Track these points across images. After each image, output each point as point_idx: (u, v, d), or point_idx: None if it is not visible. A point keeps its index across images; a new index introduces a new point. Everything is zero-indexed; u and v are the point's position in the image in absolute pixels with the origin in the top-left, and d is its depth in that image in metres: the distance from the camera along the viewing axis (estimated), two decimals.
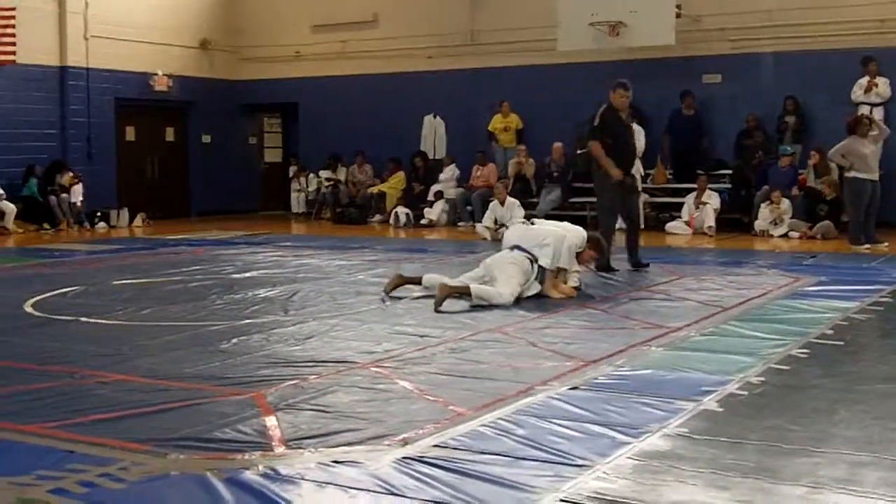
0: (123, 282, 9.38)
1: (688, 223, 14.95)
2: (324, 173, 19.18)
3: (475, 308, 7.44)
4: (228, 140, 20.58)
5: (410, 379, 5.15)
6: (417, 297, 7.96)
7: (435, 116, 18.45)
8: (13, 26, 15.69)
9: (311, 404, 4.63)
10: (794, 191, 14.42)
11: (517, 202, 14.69)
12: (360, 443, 4.02)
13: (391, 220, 17.25)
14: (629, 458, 3.80)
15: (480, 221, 15.00)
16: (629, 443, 3.98)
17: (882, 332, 6.92)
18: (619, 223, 10.48)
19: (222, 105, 20.28)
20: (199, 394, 4.84)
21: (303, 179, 19.77)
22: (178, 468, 3.72)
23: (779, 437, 4.05)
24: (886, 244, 12.17)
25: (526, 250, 8.02)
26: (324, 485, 3.55)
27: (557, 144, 16.51)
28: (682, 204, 15.26)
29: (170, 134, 19.96)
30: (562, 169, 16.47)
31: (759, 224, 14.36)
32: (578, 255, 8.28)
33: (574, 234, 8.25)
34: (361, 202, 18.23)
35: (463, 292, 7.56)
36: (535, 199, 16.31)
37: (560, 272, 8.14)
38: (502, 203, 14.53)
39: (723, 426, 4.24)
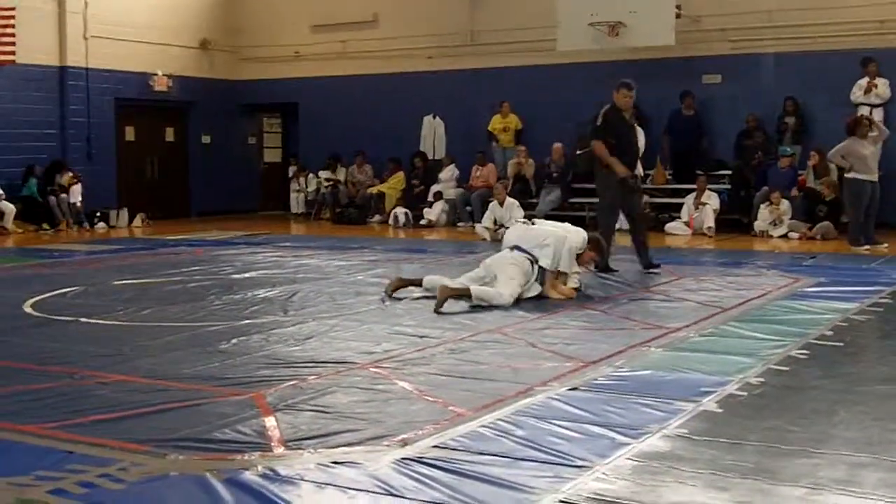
0: (123, 282, 9.38)
1: (687, 224, 14.95)
2: (323, 174, 19.18)
3: (475, 309, 7.44)
4: (228, 140, 20.58)
5: (410, 379, 5.15)
6: (417, 298, 7.95)
7: (434, 117, 18.45)
8: (13, 26, 15.69)
9: (311, 405, 4.63)
10: (794, 191, 14.42)
11: (516, 203, 14.68)
12: (359, 443, 4.02)
13: (390, 221, 17.24)
14: (628, 458, 3.80)
15: (480, 222, 15.00)
16: (628, 444, 3.98)
17: (882, 333, 6.92)
18: (621, 223, 10.49)
19: (222, 105, 20.28)
20: (199, 394, 4.84)
21: (302, 180, 19.77)
22: (178, 469, 3.72)
23: (778, 438, 4.05)
24: (886, 245, 12.17)
25: (526, 251, 8.01)
26: (323, 485, 3.55)
27: (557, 145, 16.51)
28: (681, 204, 15.27)
29: (169, 134, 19.95)
30: (561, 169, 16.47)
31: (759, 225, 14.36)
32: (579, 257, 8.27)
33: (574, 235, 8.23)
34: (361, 202, 18.23)
35: (463, 294, 7.56)
36: (534, 200, 16.30)
37: (560, 274, 8.14)
38: (501, 204, 14.53)
39: (722, 427, 4.24)
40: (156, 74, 18.84)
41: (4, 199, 15.94)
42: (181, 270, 10.26)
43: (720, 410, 4.52)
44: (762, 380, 5.11)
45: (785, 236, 13.94)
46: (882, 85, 14.61)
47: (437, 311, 7.25)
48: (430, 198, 17.34)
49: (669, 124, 16.12)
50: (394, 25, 18.75)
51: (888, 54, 14.64)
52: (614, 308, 7.65)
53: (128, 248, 13.39)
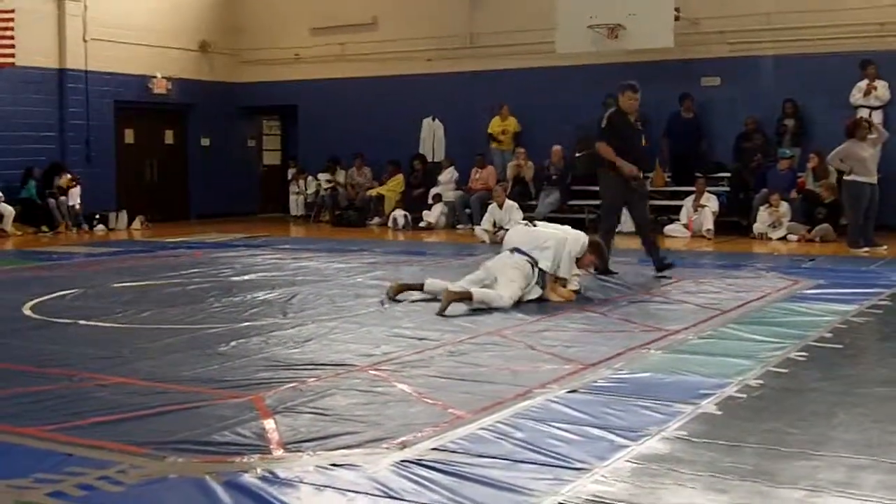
0: (122, 284, 9.37)
1: (686, 226, 14.96)
2: (322, 176, 19.17)
3: (474, 311, 7.43)
4: (227, 143, 20.58)
5: (409, 382, 5.15)
6: (416, 300, 7.95)
7: (434, 119, 18.45)
8: (12, 28, 15.68)
9: (310, 407, 4.63)
10: (793, 194, 14.43)
11: (516, 205, 14.70)
12: (358, 446, 4.02)
13: (390, 223, 17.24)
14: (628, 461, 3.80)
15: (479, 224, 15.01)
16: (628, 446, 3.98)
17: (881, 335, 6.93)
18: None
19: (221, 108, 20.29)
20: (198, 397, 4.84)
21: (301, 182, 19.77)
22: (177, 471, 3.72)
23: (777, 441, 4.05)
24: (885, 247, 12.17)
25: (526, 253, 8.00)
26: (322, 488, 3.55)
27: (556, 147, 16.52)
28: (680, 207, 15.27)
29: (169, 136, 19.96)
30: (561, 172, 16.48)
31: (758, 227, 14.36)
32: (578, 261, 8.27)
33: (574, 239, 8.22)
34: (360, 205, 18.23)
35: (465, 297, 7.55)
36: (533, 202, 16.30)
37: (559, 277, 8.14)
38: (501, 206, 14.54)
39: (721, 429, 4.24)
40: (155, 77, 18.85)
41: (4, 202, 15.94)
42: (180, 273, 10.26)
43: (719, 413, 4.52)
44: (761, 382, 5.10)
45: (784, 238, 13.95)
46: (881, 87, 14.62)
47: (440, 315, 7.24)
48: (430, 200, 17.33)
49: (668, 127, 16.12)
50: (393, 28, 18.76)
51: (887, 56, 14.64)
52: (614, 310, 7.65)
53: (127, 250, 13.39)
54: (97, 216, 17.10)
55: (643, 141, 10.30)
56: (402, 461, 3.81)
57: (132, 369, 5.50)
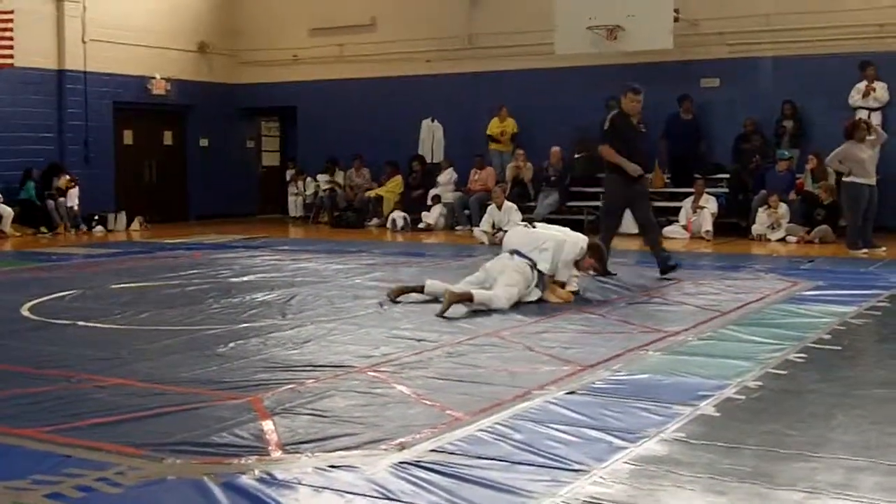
0: (121, 285, 9.37)
1: (685, 227, 14.95)
2: (321, 177, 19.15)
3: (473, 313, 7.42)
4: (226, 144, 20.58)
5: (408, 383, 5.15)
6: (415, 302, 7.94)
7: (433, 120, 18.45)
8: (11, 29, 15.68)
9: (309, 408, 4.63)
10: (792, 195, 14.43)
11: (515, 206, 14.69)
12: (356, 447, 4.02)
13: (388, 224, 17.23)
14: (626, 462, 3.80)
15: (478, 225, 15.01)
16: (626, 447, 3.98)
17: (880, 336, 6.93)
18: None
19: (220, 109, 20.28)
20: (196, 398, 4.84)
21: (300, 183, 19.77)
22: (175, 473, 3.71)
23: (776, 442, 4.05)
24: (884, 249, 12.18)
25: (525, 255, 7.99)
26: (320, 489, 3.55)
27: (555, 148, 16.52)
28: (679, 208, 15.27)
29: (168, 137, 19.95)
30: (560, 173, 16.48)
31: (757, 228, 14.36)
32: (578, 263, 8.27)
33: (573, 241, 8.21)
34: (359, 206, 18.23)
35: (467, 298, 7.54)
36: (532, 203, 16.30)
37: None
38: (500, 207, 14.54)
39: (720, 431, 4.24)
40: (154, 78, 18.84)
41: (2, 203, 15.94)
42: (179, 274, 10.25)
43: (718, 414, 4.52)
44: (760, 383, 5.11)
45: (783, 240, 13.95)
46: (880, 88, 14.62)
47: (441, 316, 7.23)
48: (429, 201, 17.33)
49: (667, 128, 16.12)
50: (392, 29, 18.76)
51: (886, 58, 14.65)
52: (612, 312, 7.65)
53: (126, 251, 13.38)
54: (96, 217, 17.08)
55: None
56: (401, 463, 3.81)
57: (131, 370, 5.50)
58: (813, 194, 14.23)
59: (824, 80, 14.99)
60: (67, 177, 16.78)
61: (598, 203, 15.90)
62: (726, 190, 15.57)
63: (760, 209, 14.41)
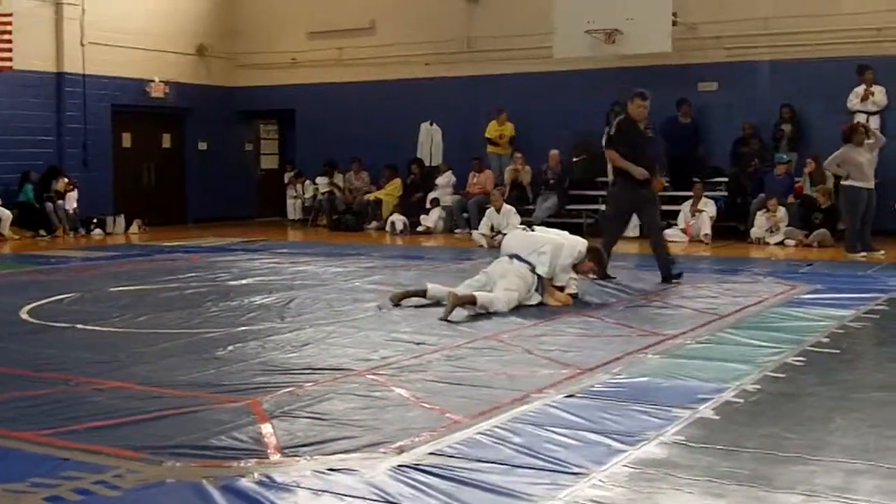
0: (119, 289, 9.37)
1: (684, 231, 14.96)
2: (321, 180, 19.14)
3: (473, 316, 7.42)
4: (225, 147, 20.58)
5: (407, 386, 5.14)
6: (414, 305, 7.94)
7: (431, 123, 18.45)
8: (10, 32, 15.67)
9: (307, 412, 4.63)
10: (791, 199, 14.44)
11: (513, 209, 14.71)
12: (355, 450, 4.02)
13: (387, 227, 17.23)
14: (625, 465, 3.81)
15: (477, 229, 15.01)
16: (625, 451, 3.98)
17: (878, 340, 6.94)
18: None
19: (219, 112, 20.29)
20: (195, 401, 4.84)
21: (299, 186, 19.77)
22: (174, 476, 3.71)
23: (775, 445, 4.06)
24: (882, 252, 12.18)
25: (524, 259, 7.99)
26: (319, 492, 3.55)
27: (554, 152, 16.52)
28: (678, 212, 15.27)
29: (166, 140, 19.95)
30: (558, 176, 16.48)
31: (755, 232, 14.37)
32: (577, 267, 8.27)
33: (571, 244, 8.21)
34: (358, 209, 18.23)
35: (470, 302, 7.53)
36: (531, 207, 16.31)
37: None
38: (498, 210, 14.55)
39: (719, 434, 4.24)
40: (152, 81, 18.85)
41: (1, 206, 15.93)
42: (178, 277, 10.25)
43: (717, 417, 4.52)
44: (759, 387, 5.11)
45: (781, 243, 13.95)
46: (878, 92, 14.64)
47: (444, 319, 7.23)
48: (427, 204, 17.33)
49: (666, 132, 16.06)
50: (391, 32, 18.76)
51: (884, 62, 14.67)
52: (611, 315, 7.65)
53: (124, 254, 13.37)
54: (94, 220, 17.07)
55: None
56: (400, 466, 3.80)
57: (129, 373, 5.50)
58: (811, 198, 14.25)
59: (822, 83, 15.01)
60: (66, 180, 16.77)
61: (597, 206, 16.00)
62: (725, 193, 15.57)
63: (759, 213, 14.42)
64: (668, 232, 14.92)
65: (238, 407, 4.71)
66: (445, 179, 17.73)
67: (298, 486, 3.60)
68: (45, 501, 3.43)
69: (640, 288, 9.23)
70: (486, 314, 7.47)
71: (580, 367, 5.63)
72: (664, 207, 15.52)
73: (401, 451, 4.00)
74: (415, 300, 8.03)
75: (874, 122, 14.20)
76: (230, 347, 6.25)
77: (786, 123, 15.40)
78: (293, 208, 19.89)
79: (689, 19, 15.78)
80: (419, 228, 16.94)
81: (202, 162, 20.11)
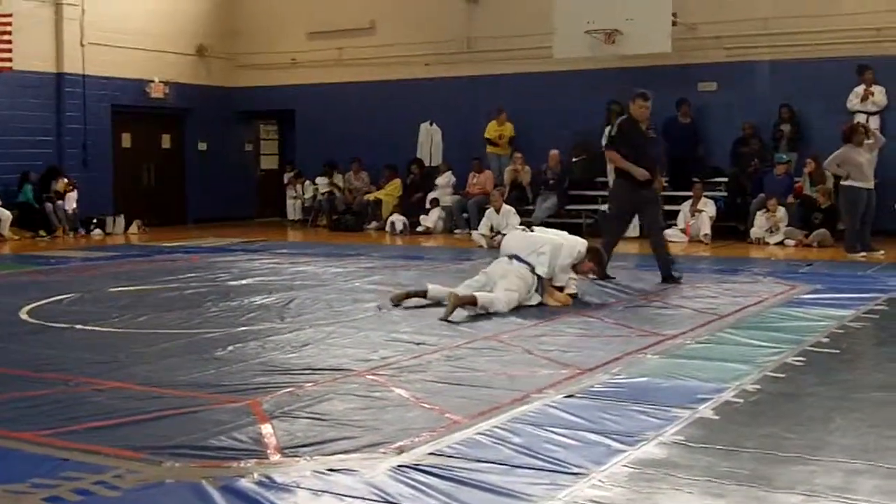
0: (119, 289, 9.37)
1: (683, 231, 14.96)
2: (320, 180, 19.13)
3: (473, 316, 7.42)
4: (225, 147, 20.57)
5: (406, 387, 5.14)
6: (414, 306, 7.93)
7: (431, 123, 18.45)
8: (9, 33, 15.67)
9: (307, 412, 4.63)
10: (790, 199, 14.44)
11: (513, 210, 14.70)
12: (355, 451, 4.02)
13: (387, 228, 17.23)
14: (625, 465, 3.81)
15: (476, 229, 15.01)
16: (625, 451, 3.98)
17: (878, 340, 6.94)
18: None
19: (218, 112, 20.28)
20: (195, 401, 4.84)
21: (299, 186, 19.77)
22: (174, 476, 3.71)
23: (774, 445, 4.06)
24: (882, 252, 12.18)
25: (524, 260, 7.99)
26: (319, 493, 3.55)
27: (554, 152, 16.52)
28: (677, 212, 15.27)
29: (166, 141, 19.95)
30: (558, 176, 16.48)
31: (755, 232, 14.37)
32: (576, 267, 8.27)
33: (570, 245, 8.21)
34: (358, 209, 18.23)
35: (471, 302, 7.53)
36: (531, 207, 16.31)
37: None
38: (498, 211, 14.55)
39: (718, 434, 4.25)
40: (152, 81, 18.85)
41: (1, 206, 15.92)
42: (177, 277, 10.25)
43: (716, 417, 4.52)
44: (758, 387, 5.11)
45: (781, 243, 13.95)
46: (878, 92, 14.63)
47: (445, 320, 7.23)
48: (427, 205, 17.33)
49: (665, 132, 16.03)
50: (391, 32, 18.76)
51: (884, 62, 14.66)
52: (611, 315, 7.65)
53: (124, 254, 13.37)
54: (94, 220, 17.06)
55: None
56: (400, 466, 3.81)
57: (129, 374, 5.50)
58: (811, 198, 14.25)
59: (822, 83, 15.00)
60: (66, 180, 16.77)
61: (597, 206, 16.01)
62: (725, 193, 15.57)
63: (759, 213, 14.42)
64: (667, 232, 14.93)
65: (238, 407, 4.71)
66: (445, 180, 17.73)
67: (298, 487, 3.60)
68: (45, 502, 3.43)
69: (640, 288, 9.23)
70: (486, 314, 7.47)
71: (580, 367, 5.63)
72: (664, 207, 15.60)
73: (400, 451, 4.00)
74: (415, 300, 8.03)
75: (874, 123, 14.19)
76: (230, 348, 6.25)
77: (785, 123, 15.40)
78: (293, 209, 19.89)
79: (688, 19, 15.77)
80: (419, 229, 16.94)
81: (202, 162, 20.11)
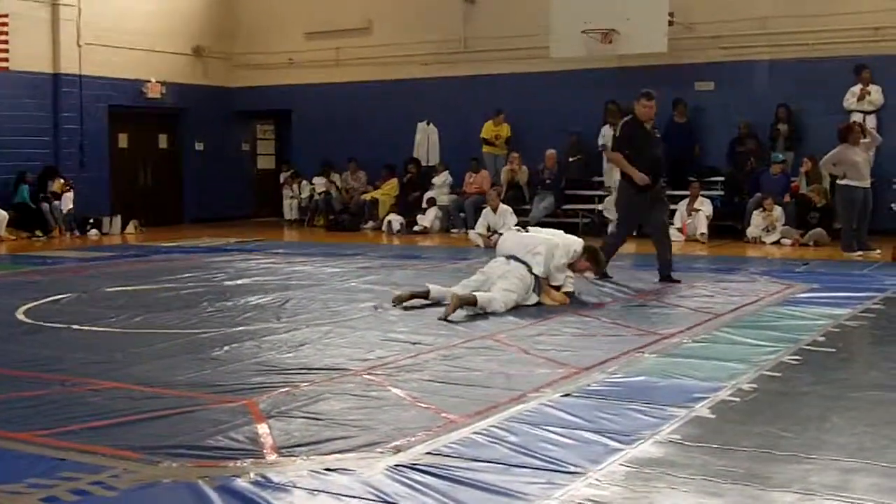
0: (116, 289, 9.36)
1: (680, 230, 14.96)
2: (317, 180, 19.12)
3: (470, 316, 7.42)
4: (222, 147, 20.56)
5: (403, 386, 5.15)
6: (411, 306, 7.93)
7: (428, 123, 18.45)
8: (6, 33, 15.66)
9: (304, 412, 4.63)
10: (787, 198, 14.45)
11: (510, 209, 14.70)
12: (352, 450, 4.02)
13: (384, 227, 17.23)
14: (621, 464, 3.81)
15: (473, 228, 15.01)
16: (621, 450, 3.99)
17: (874, 339, 6.94)
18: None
19: (216, 112, 20.27)
20: (192, 401, 4.84)
21: (296, 186, 19.76)
22: (170, 476, 3.71)
23: (770, 444, 4.06)
24: (878, 251, 12.20)
25: (521, 260, 7.99)
26: (315, 492, 3.55)
27: (550, 151, 16.52)
28: (674, 211, 15.26)
29: (163, 141, 19.94)
30: (555, 176, 16.49)
31: (752, 231, 14.38)
32: (573, 266, 8.27)
33: (566, 244, 8.21)
34: (354, 209, 18.22)
35: (471, 302, 7.53)
36: (527, 207, 16.32)
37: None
38: (495, 210, 14.55)
39: (715, 433, 4.25)
40: (149, 81, 18.83)
41: None
42: (174, 277, 10.24)
43: (713, 416, 4.52)
44: (755, 386, 5.12)
45: (778, 243, 13.97)
46: (875, 92, 14.65)
47: (445, 319, 7.23)
48: (424, 204, 17.34)
49: (662, 131, 16.11)
50: (388, 32, 18.76)
51: (881, 61, 14.68)
52: (608, 314, 7.65)
53: (121, 254, 13.37)
54: (91, 220, 17.05)
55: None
56: (396, 465, 3.81)
57: (126, 374, 5.49)
58: (808, 197, 14.26)
59: (819, 83, 15.01)
60: (62, 180, 16.76)
61: (593, 206, 16.02)
62: (721, 193, 15.59)
63: (755, 212, 14.43)
64: None
65: (234, 407, 4.71)
66: (442, 179, 17.74)
67: (294, 486, 3.60)
68: (42, 502, 3.42)
69: (637, 287, 9.23)
70: (484, 314, 7.47)
71: (576, 366, 5.64)
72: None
73: (397, 450, 4.00)
74: (417, 301, 8.01)
75: (870, 122, 14.22)
76: (226, 347, 6.25)
77: (782, 123, 15.41)
78: (290, 208, 19.88)
79: (686, 19, 15.79)
80: (415, 228, 16.95)
81: (199, 162, 20.09)
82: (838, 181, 12.68)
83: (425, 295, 8.01)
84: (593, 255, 8.52)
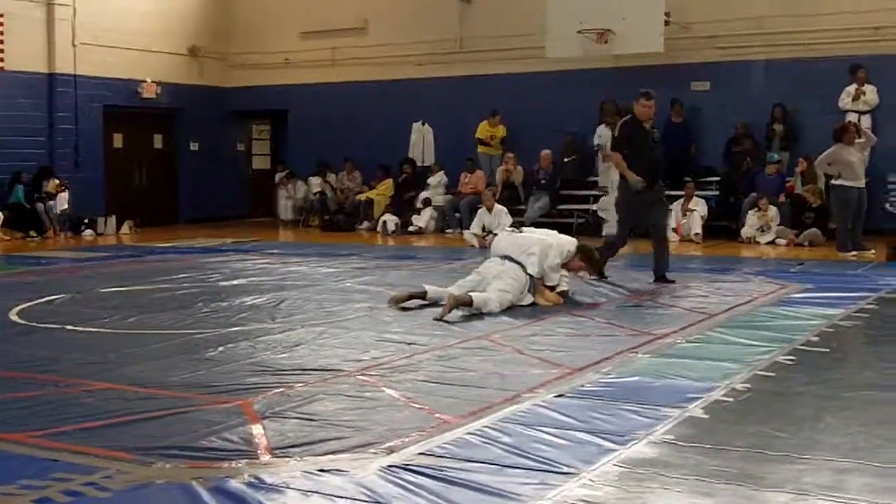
0: (110, 289, 9.34)
1: (675, 230, 14.95)
2: (313, 180, 19.11)
3: (465, 316, 7.42)
4: (217, 147, 20.53)
5: (397, 387, 5.15)
6: (407, 306, 7.93)
7: (423, 123, 18.43)
8: (1, 33, 15.63)
9: (298, 412, 4.63)
10: (782, 198, 14.47)
11: (505, 209, 14.70)
12: (345, 451, 4.02)
13: (379, 228, 17.21)
14: (615, 465, 3.81)
15: (468, 228, 15.01)
16: (615, 450, 3.99)
17: (868, 339, 6.95)
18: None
19: (211, 112, 20.25)
20: (186, 402, 4.83)
21: (291, 186, 19.74)
22: (164, 477, 3.71)
23: (764, 444, 4.07)
24: (873, 251, 12.20)
25: (516, 260, 7.99)
26: (309, 493, 3.55)
27: (546, 152, 16.52)
28: (669, 211, 15.26)
29: (158, 141, 19.91)
30: (550, 176, 16.49)
31: (746, 231, 14.39)
32: (567, 265, 8.27)
33: (559, 244, 8.21)
34: (350, 209, 18.21)
35: (467, 303, 7.53)
36: (523, 207, 16.32)
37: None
38: (490, 210, 14.55)
39: (708, 433, 4.26)
40: (144, 81, 18.79)
41: None
42: (169, 278, 10.23)
43: (706, 416, 4.53)
44: (748, 386, 5.12)
45: (772, 243, 13.98)
46: (870, 92, 14.66)
47: (441, 319, 7.23)
48: (419, 204, 17.33)
49: (660, 131, 16.10)
50: (383, 32, 18.76)
51: (876, 61, 14.69)
52: (602, 314, 7.66)
53: (115, 255, 13.35)
54: (85, 221, 17.01)
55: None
56: (390, 466, 3.81)
57: (119, 374, 5.49)
58: (803, 197, 14.27)
59: (814, 83, 15.02)
60: (57, 180, 16.73)
61: (588, 207, 16.02)
62: (716, 193, 15.60)
63: (750, 212, 14.44)
64: None
65: (229, 408, 4.71)
66: (437, 179, 17.72)
67: (288, 487, 3.60)
68: (35, 503, 3.42)
69: (632, 288, 9.24)
70: (479, 314, 7.47)
71: (570, 366, 5.64)
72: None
73: (391, 451, 4.00)
74: (414, 302, 8.01)
75: (865, 122, 14.23)
76: (221, 348, 6.24)
77: (777, 123, 15.42)
78: (285, 209, 19.86)
79: (682, 19, 15.79)
80: (411, 228, 16.93)
81: (194, 162, 20.07)
82: (833, 181, 12.69)
83: (423, 296, 8.01)
84: (587, 254, 8.53)
